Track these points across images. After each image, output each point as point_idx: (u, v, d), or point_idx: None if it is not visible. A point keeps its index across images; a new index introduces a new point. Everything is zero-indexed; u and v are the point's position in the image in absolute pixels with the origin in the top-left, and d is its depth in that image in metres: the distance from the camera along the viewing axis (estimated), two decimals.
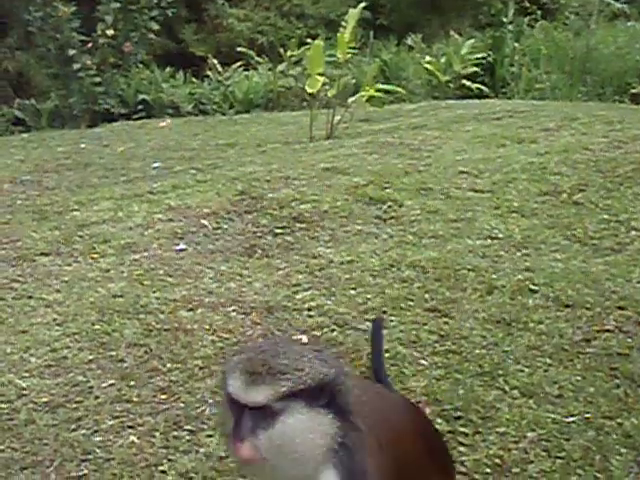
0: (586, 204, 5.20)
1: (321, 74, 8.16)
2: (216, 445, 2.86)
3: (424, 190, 5.50)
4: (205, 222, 5.12)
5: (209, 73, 13.65)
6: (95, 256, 4.67)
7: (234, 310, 3.90)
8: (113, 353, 3.53)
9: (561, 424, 2.94)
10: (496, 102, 10.59)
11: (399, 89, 10.04)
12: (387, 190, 5.46)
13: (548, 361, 3.37)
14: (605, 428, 2.91)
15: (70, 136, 10.14)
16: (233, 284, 4.20)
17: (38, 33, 12.38)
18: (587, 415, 2.99)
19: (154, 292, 4.10)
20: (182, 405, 3.12)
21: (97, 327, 3.76)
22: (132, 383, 3.30)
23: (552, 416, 2.99)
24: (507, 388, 3.18)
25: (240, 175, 6.14)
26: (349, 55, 8.68)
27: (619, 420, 2.96)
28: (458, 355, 3.42)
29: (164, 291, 4.12)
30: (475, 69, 12.60)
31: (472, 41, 13.27)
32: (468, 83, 12.36)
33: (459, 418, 3.00)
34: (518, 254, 4.47)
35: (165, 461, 2.81)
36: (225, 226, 5.08)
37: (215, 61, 13.61)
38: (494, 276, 4.16)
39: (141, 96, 12.22)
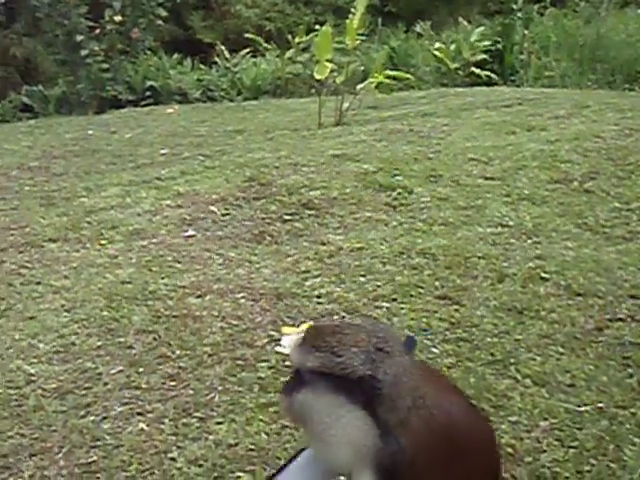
0: (597, 192, 5.16)
1: (329, 61, 8.12)
2: (225, 432, 2.84)
3: (434, 177, 5.46)
4: (214, 208, 5.10)
5: (217, 60, 13.60)
6: (103, 242, 4.65)
7: (243, 297, 3.88)
8: (121, 339, 3.51)
9: (574, 413, 2.91)
10: (505, 90, 10.53)
11: (408, 75, 9.96)
12: (396, 177, 5.42)
13: (560, 350, 3.33)
14: (618, 417, 2.88)
15: (78, 122, 10.11)
16: (242, 270, 4.17)
17: (45, 19, 12.32)
18: (600, 404, 2.96)
19: (162, 278, 4.08)
20: (191, 392, 3.10)
21: (105, 313, 3.74)
22: (141, 370, 3.28)
23: (565, 405, 2.96)
24: (519, 377, 3.15)
25: (248, 161, 6.12)
26: (357, 42, 8.62)
27: (632, 410, 2.92)
28: (469, 343, 3.39)
29: (172, 277, 4.10)
30: (484, 56, 12.51)
31: (481, 28, 13.18)
32: (477, 70, 12.27)
33: None
34: (529, 242, 4.43)
35: (174, 448, 2.79)
36: (234, 212, 5.05)
37: (223, 48, 13.56)
38: (505, 264, 4.13)
39: (149, 83, 12.16)
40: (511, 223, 4.67)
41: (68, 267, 4.33)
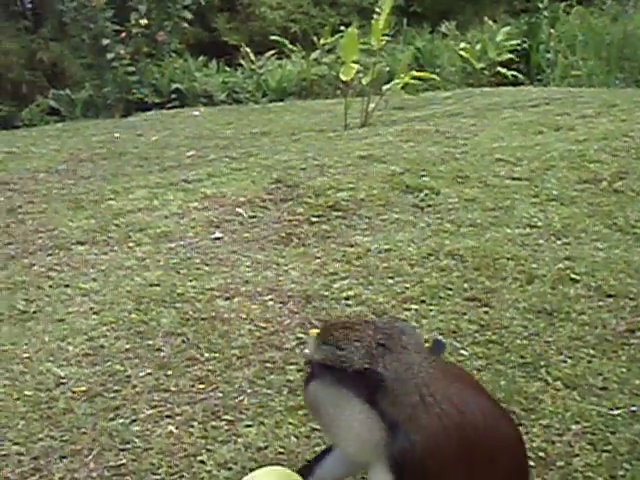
0: (627, 192, 5.11)
1: (355, 62, 8.11)
2: (255, 435, 2.84)
3: (461, 178, 5.43)
4: (241, 210, 5.10)
5: (242, 62, 13.64)
6: (131, 245, 4.66)
7: (271, 299, 3.87)
8: (150, 342, 3.51)
9: (606, 417, 2.88)
10: (532, 89, 10.47)
11: (433, 76, 9.93)
12: (424, 178, 5.39)
13: (591, 352, 3.30)
14: None
15: (104, 125, 10.16)
16: (270, 273, 4.16)
17: (72, 23, 12.42)
18: (633, 408, 2.92)
19: (190, 281, 4.09)
20: (220, 395, 3.10)
21: (134, 316, 3.75)
22: (169, 372, 3.28)
23: (597, 409, 2.92)
24: (550, 379, 3.12)
25: (275, 163, 6.11)
26: (383, 42, 8.60)
27: None
28: (499, 345, 3.37)
29: (200, 280, 4.10)
30: (510, 56, 12.46)
31: (507, 28, 13.13)
32: (503, 70, 12.22)
33: None
34: (558, 243, 4.39)
35: (204, 451, 2.79)
36: (261, 214, 5.05)
37: (248, 50, 13.59)
38: (534, 265, 4.09)
39: (175, 85, 12.21)
40: (540, 224, 4.63)
41: (96, 270, 4.35)
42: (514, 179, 5.39)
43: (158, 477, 2.68)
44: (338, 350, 1.92)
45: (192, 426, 2.93)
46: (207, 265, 4.29)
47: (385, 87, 8.44)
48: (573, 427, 2.83)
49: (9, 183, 6.58)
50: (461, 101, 9.33)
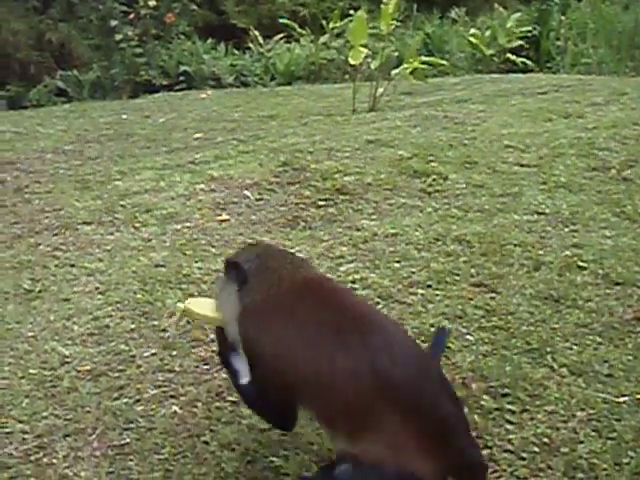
0: (635, 180, 5.09)
1: (364, 46, 8.06)
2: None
3: (469, 164, 5.41)
4: (247, 193, 5.08)
5: (250, 45, 13.58)
6: (137, 225, 4.65)
7: None
8: (155, 323, 3.51)
9: (612, 404, 2.87)
10: (541, 76, 10.41)
11: (443, 62, 9.88)
12: (431, 163, 5.37)
13: (598, 339, 3.29)
14: None
15: (112, 107, 10.14)
16: None
17: (80, 4, 12.40)
18: (639, 396, 2.91)
19: (196, 262, 4.08)
20: (224, 376, 3.08)
21: (139, 296, 3.74)
22: (174, 353, 3.28)
23: (602, 396, 2.91)
24: (555, 366, 3.10)
25: (282, 146, 6.09)
26: (392, 27, 8.54)
27: None
28: (505, 331, 3.36)
29: (206, 261, 4.09)
30: (520, 43, 12.38)
31: (517, 14, 13.03)
32: (513, 57, 12.16)
33: (506, 395, 2.93)
34: (566, 230, 4.38)
35: (207, 432, 2.79)
36: (267, 197, 5.03)
37: (257, 33, 13.54)
38: (541, 252, 4.08)
39: (182, 67, 12.17)
40: (547, 211, 4.61)
41: (102, 250, 4.34)
42: (522, 166, 5.36)
43: (162, 457, 2.68)
44: (236, 255, 2.69)
45: (196, 407, 2.93)
46: (213, 247, 4.28)
47: (394, 72, 8.40)
48: (578, 414, 2.82)
49: (16, 163, 6.57)
50: (470, 87, 9.29)
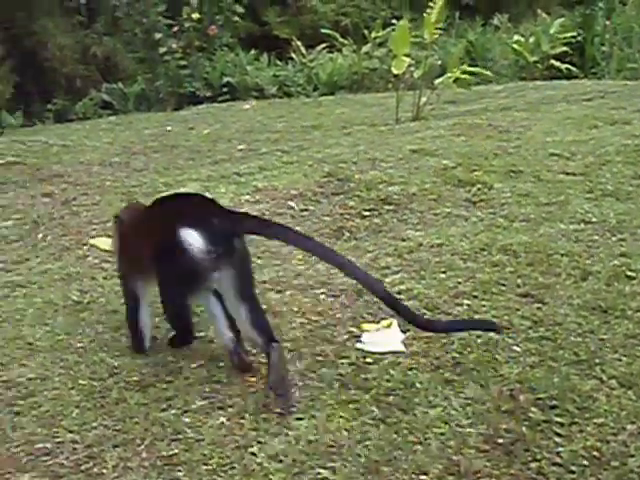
0: None
1: (407, 55, 8.07)
2: (305, 428, 2.84)
3: (514, 172, 5.38)
4: (292, 204, 5.11)
5: (293, 55, 13.66)
6: None
7: (323, 292, 3.87)
8: (202, 334, 3.53)
9: None
10: (586, 82, 10.33)
11: (486, 72, 9.84)
12: (476, 172, 5.35)
13: None
14: None
15: (156, 119, 10.27)
16: (321, 266, 4.16)
17: (125, 18, 12.58)
18: None
19: None
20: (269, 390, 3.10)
21: None
22: (221, 364, 3.30)
23: None
24: (604, 377, 3.06)
25: (326, 157, 6.11)
26: (435, 36, 8.54)
27: None
28: (553, 342, 3.32)
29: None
30: (564, 49, 12.31)
31: (561, 20, 12.95)
32: (557, 63, 12.08)
33: (554, 407, 2.90)
34: (613, 239, 4.33)
35: (255, 443, 2.79)
36: (312, 208, 5.05)
37: (299, 43, 13.61)
38: (588, 261, 4.04)
39: (226, 79, 12.29)
40: (594, 220, 4.57)
41: None
42: (568, 174, 5.32)
43: (209, 468, 2.69)
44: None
45: (243, 418, 2.94)
46: (259, 258, 4.30)
47: (437, 81, 8.39)
48: (628, 427, 2.78)
49: (64, 175, 6.67)
50: (514, 95, 9.25)
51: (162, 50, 11.82)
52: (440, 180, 5.25)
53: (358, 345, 3.37)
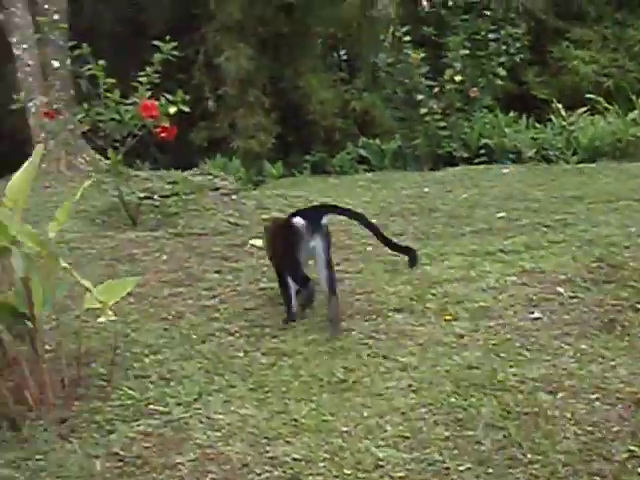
0: None
1: None
2: None
3: None
4: (560, 289, 4.88)
5: (552, 117, 13.29)
6: (448, 318, 4.60)
7: (597, 399, 3.62)
8: (470, 432, 3.40)
9: None
10: None
11: None
12: None
13: None
14: None
15: (413, 178, 10.30)
16: (594, 367, 3.91)
17: (386, 77, 12.82)
18: None
19: (511, 367, 3.94)
20: None
21: (453, 400, 3.66)
22: (490, 470, 3.15)
23: None
24: None
25: (595, 237, 5.81)
26: None
27: None
28: None
29: (521, 367, 3.94)
30: None
31: None
32: None
33: None
34: None
35: None
36: (581, 295, 4.80)
37: (559, 105, 13.23)
38: None
39: (484, 140, 12.14)
40: None
41: (414, 342, 4.32)
42: None
43: None
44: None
45: None
46: (528, 350, 4.12)
47: None
48: None
49: None
50: None
51: (423, 110, 11.90)
52: None
53: None
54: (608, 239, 5.72)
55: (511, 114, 13.19)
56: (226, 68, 13.77)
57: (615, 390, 3.67)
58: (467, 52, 12.25)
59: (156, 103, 7.08)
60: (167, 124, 7.28)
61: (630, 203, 7.53)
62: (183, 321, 4.92)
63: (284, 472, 3.25)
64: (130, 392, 4.01)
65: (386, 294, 5.04)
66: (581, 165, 11.16)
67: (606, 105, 13.41)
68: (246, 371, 4.16)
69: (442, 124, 11.98)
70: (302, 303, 4.82)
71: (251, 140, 14.04)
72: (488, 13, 12.40)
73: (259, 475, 3.24)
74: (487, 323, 4.48)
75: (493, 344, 4.21)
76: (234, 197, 8.43)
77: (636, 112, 12.17)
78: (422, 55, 12.09)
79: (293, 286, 4.80)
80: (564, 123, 12.87)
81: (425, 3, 13.04)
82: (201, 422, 3.68)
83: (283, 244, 4.83)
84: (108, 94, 7.21)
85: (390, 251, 5.62)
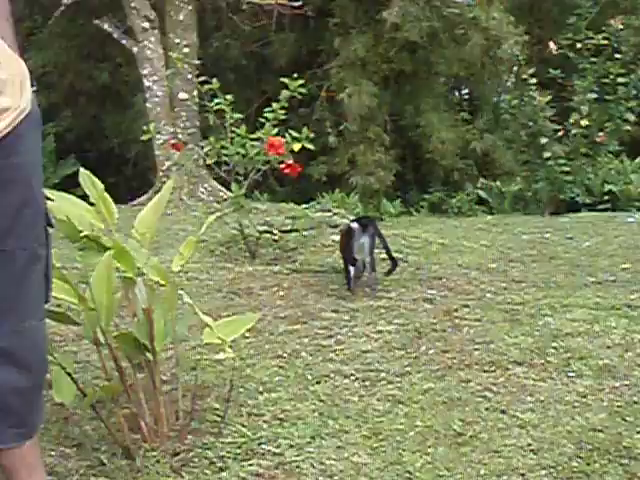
0: None
1: None
2: None
3: None
4: None
5: None
6: (571, 375, 4.43)
7: None
8: None
9: None
10: None
11: None
12: None
13: None
14: None
15: (533, 223, 10.08)
16: None
17: (510, 118, 12.66)
18: None
19: (638, 433, 3.75)
20: None
21: (574, 464, 3.49)
22: None
23: None
24: None
25: None
26: None
27: None
28: None
29: None
30: None
31: None
32: None
33: None
34: None
35: None
36: None
37: None
38: None
39: (608, 187, 11.84)
40: None
41: (534, 399, 4.17)
42: None
43: None
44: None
45: None
46: None
47: None
48: None
49: (442, 278, 6.71)
50: None
51: (546, 154, 11.65)
52: None
53: None
54: None
55: (638, 160, 12.82)
56: (348, 104, 13.85)
57: None
58: (595, 96, 11.95)
59: (282, 141, 7.15)
60: (291, 160, 7.35)
61: None
62: (298, 360, 4.90)
63: None
64: (243, 430, 3.99)
65: (506, 345, 4.91)
66: None
67: None
68: (361, 416, 4.09)
69: (566, 169, 11.70)
70: (356, 276, 6.30)
71: (370, 177, 14.05)
72: (618, 56, 12.05)
73: None
74: (612, 383, 4.29)
75: (618, 406, 4.03)
76: None
77: None
78: (548, 98, 11.87)
79: (352, 269, 6.22)
80: None
81: (552, 45, 12.77)
82: (313, 467, 3.63)
83: (346, 241, 6.32)
84: (235, 129, 7.34)
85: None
